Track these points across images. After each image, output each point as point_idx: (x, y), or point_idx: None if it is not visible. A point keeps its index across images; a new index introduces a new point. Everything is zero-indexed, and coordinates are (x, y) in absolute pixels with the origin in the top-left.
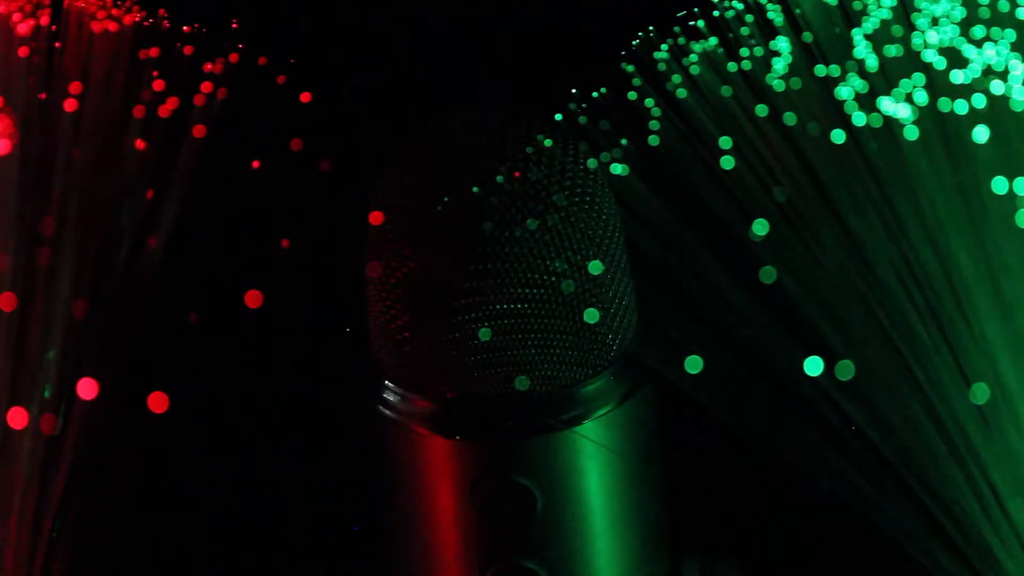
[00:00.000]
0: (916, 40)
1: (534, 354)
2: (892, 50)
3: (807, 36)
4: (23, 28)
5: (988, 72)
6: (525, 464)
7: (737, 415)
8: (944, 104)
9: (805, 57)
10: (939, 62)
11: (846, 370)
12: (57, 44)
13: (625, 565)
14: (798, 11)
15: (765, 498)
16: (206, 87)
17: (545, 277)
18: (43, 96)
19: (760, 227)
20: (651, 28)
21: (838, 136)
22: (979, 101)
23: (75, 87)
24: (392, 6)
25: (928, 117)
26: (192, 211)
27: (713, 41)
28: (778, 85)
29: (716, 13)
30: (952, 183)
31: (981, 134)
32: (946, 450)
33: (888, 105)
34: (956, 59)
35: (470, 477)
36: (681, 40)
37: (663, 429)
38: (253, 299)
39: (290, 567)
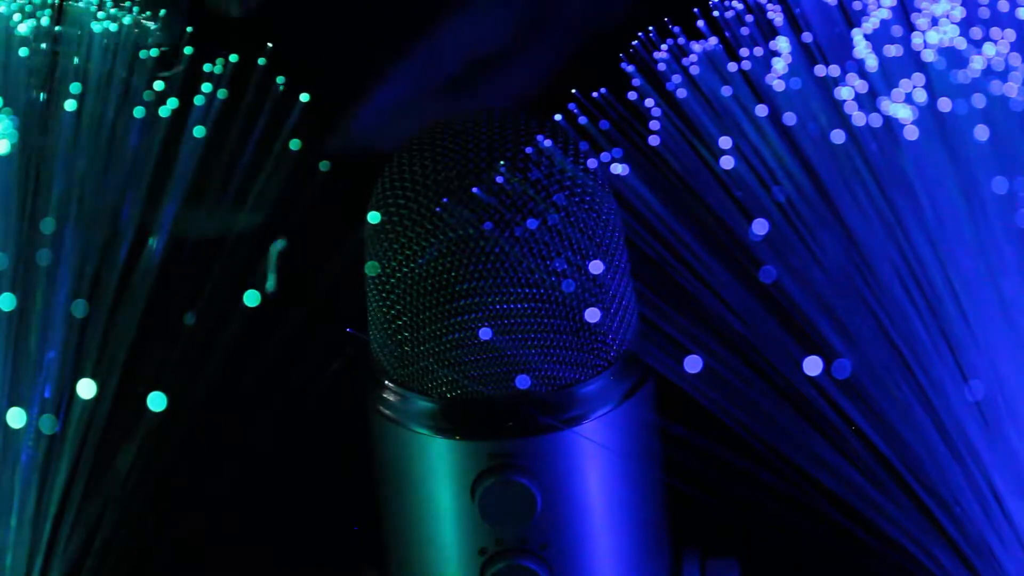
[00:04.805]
0: (916, 40)
1: (534, 354)
2: (892, 50)
3: (807, 36)
4: (23, 28)
5: (988, 72)
6: (525, 464)
7: (737, 415)
8: (944, 104)
9: (805, 57)
10: (939, 62)
11: (842, 368)
12: (57, 44)
13: (625, 565)
14: (798, 11)
15: (765, 498)
16: (206, 87)
17: (545, 277)
18: (43, 96)
19: (760, 227)
20: (651, 28)
21: (838, 136)
22: (979, 101)
23: (75, 87)
24: (393, 6)
25: (928, 117)
26: (192, 211)
27: (713, 41)
28: (778, 85)
29: (716, 13)
30: (952, 183)
31: (981, 134)
32: (946, 450)
33: (888, 105)
34: (956, 59)
35: (470, 477)
36: (681, 40)
37: (663, 429)
38: (252, 299)
39: (290, 567)
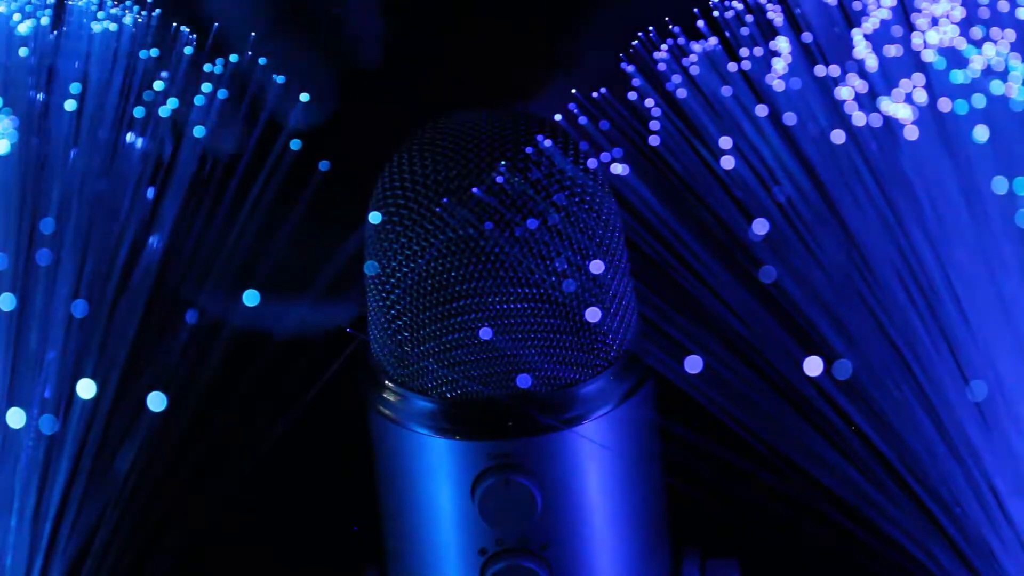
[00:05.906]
0: (916, 40)
1: (534, 354)
2: (892, 50)
3: (807, 36)
4: (23, 28)
5: (988, 72)
6: (525, 464)
7: (737, 415)
8: (944, 104)
9: (805, 57)
10: (939, 62)
11: (843, 369)
12: (57, 44)
13: (625, 565)
14: (798, 11)
15: (765, 498)
16: (206, 87)
17: (545, 277)
18: (43, 96)
19: (760, 227)
20: (651, 28)
21: (838, 136)
22: (979, 101)
23: (75, 87)
24: (393, 7)
25: (928, 117)
26: (192, 211)
27: (713, 41)
28: (778, 85)
29: (716, 13)
30: (952, 183)
31: (981, 134)
32: (946, 450)
33: (888, 105)
34: (956, 59)
35: (470, 477)
36: (681, 40)
37: (663, 429)
38: (252, 298)
39: (290, 567)
